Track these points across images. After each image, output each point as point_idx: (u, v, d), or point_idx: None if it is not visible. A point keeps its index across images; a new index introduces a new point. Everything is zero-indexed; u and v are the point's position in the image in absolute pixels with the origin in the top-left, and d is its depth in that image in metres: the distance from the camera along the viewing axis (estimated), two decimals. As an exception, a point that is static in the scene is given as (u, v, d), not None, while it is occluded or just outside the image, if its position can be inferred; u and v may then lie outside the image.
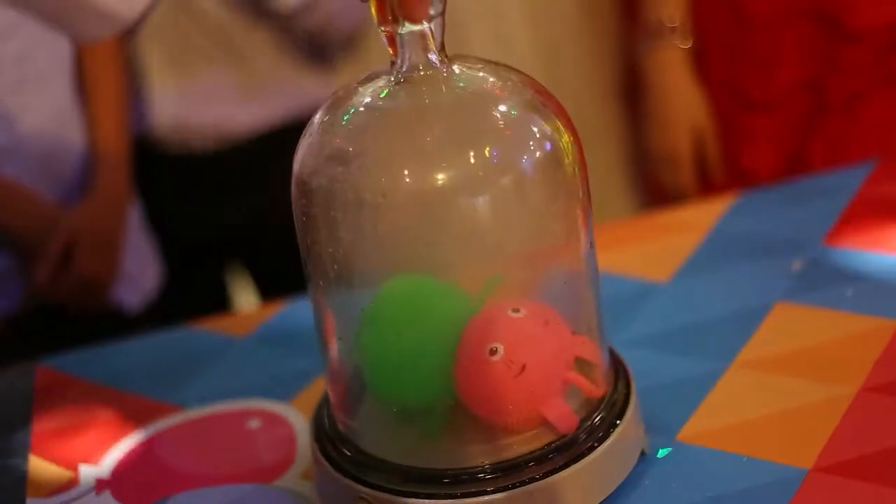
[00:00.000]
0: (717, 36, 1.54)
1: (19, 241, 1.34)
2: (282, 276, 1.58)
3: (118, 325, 1.44)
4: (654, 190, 1.70)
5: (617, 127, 1.80)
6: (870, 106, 1.49)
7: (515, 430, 0.79)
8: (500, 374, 0.78)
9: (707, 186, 1.59)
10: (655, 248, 1.14)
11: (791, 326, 0.99)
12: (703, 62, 1.57)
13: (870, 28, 1.46)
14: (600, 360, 0.84)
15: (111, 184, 1.39)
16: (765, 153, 1.55)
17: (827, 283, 1.04)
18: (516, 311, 0.79)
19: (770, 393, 0.91)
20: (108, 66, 1.41)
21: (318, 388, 0.99)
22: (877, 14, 1.46)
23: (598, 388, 0.83)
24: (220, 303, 1.73)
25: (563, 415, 0.80)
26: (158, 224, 1.60)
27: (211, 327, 1.14)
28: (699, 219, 1.18)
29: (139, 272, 1.50)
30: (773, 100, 1.52)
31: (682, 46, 1.55)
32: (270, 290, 1.61)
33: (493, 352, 0.78)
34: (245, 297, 1.83)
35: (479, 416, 0.79)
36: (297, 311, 1.14)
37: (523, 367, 0.78)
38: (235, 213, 1.66)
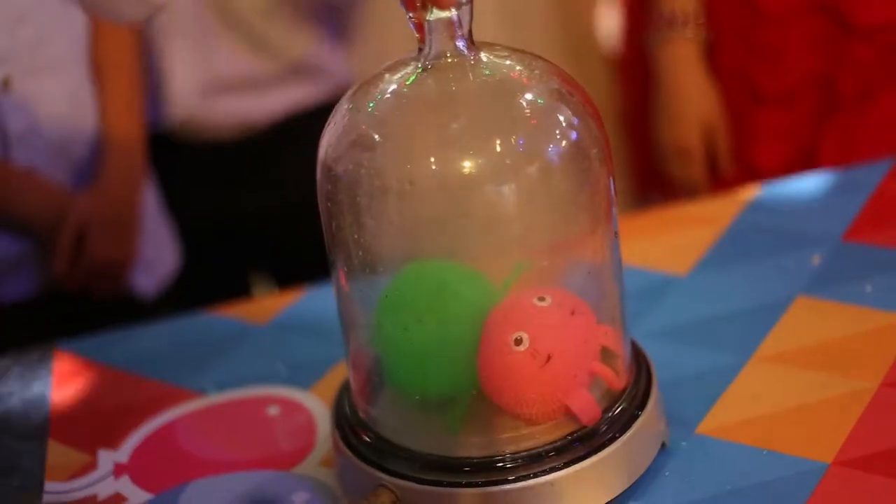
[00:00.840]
0: (729, 30, 1.54)
1: (34, 227, 1.34)
2: (298, 265, 1.59)
3: (135, 310, 1.45)
4: (641, 176, 1.70)
5: (621, 117, 1.80)
6: (880, 102, 1.49)
7: (537, 420, 0.79)
8: (524, 365, 0.78)
9: (717, 180, 1.59)
10: (674, 241, 1.14)
11: (811, 320, 0.99)
12: (714, 56, 1.56)
13: (879, 24, 1.46)
14: (623, 351, 0.84)
15: (123, 167, 1.39)
16: (775, 148, 1.55)
17: (847, 278, 1.03)
18: (542, 299, 0.79)
19: (790, 387, 0.91)
20: (121, 50, 1.41)
21: (336, 375, 0.99)
22: (886, 11, 1.46)
23: (620, 379, 0.83)
24: (237, 290, 1.72)
25: (588, 406, 0.80)
26: (176, 210, 1.60)
27: (230, 314, 1.15)
28: (718, 212, 1.17)
29: (156, 256, 1.50)
30: (783, 94, 1.52)
31: (694, 40, 1.54)
32: (287, 278, 1.61)
33: (518, 341, 0.77)
34: (262, 286, 1.83)
35: (501, 407, 0.79)
36: (316, 298, 1.14)
37: (549, 358, 0.78)
38: (253, 200, 1.66)
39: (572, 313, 0.79)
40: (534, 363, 0.78)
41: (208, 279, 1.66)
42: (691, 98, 1.56)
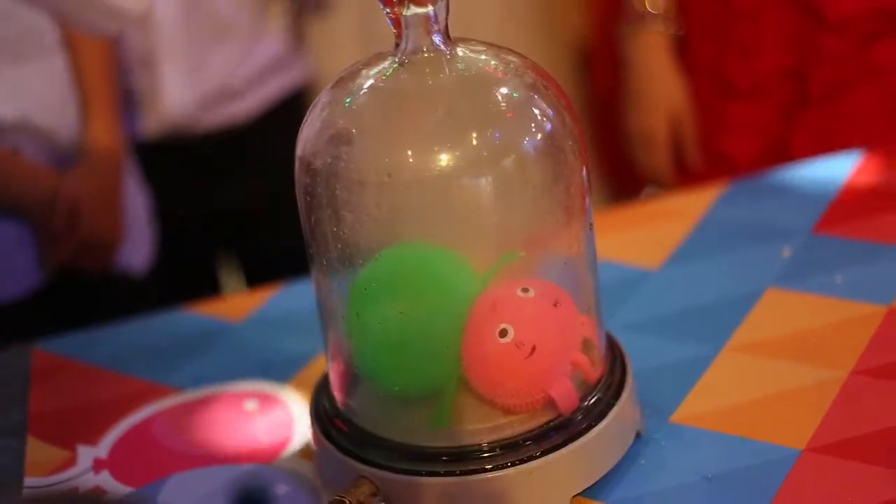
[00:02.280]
0: (702, 23, 1.56)
1: (23, 209, 1.35)
2: (270, 261, 1.60)
3: (122, 298, 1.46)
4: (611, 167, 1.72)
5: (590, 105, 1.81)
6: (851, 97, 1.51)
7: (520, 410, 0.80)
8: (509, 356, 0.79)
9: (684, 171, 1.61)
10: (646, 236, 1.15)
11: (782, 311, 1.00)
12: (686, 49, 1.58)
13: (850, 17, 1.48)
14: (599, 342, 0.85)
15: (103, 141, 1.41)
16: (746, 141, 1.56)
17: (817, 269, 1.05)
18: (525, 290, 0.80)
19: (762, 376, 0.93)
20: (96, 44, 1.43)
21: (314, 369, 1.00)
22: (857, 4, 1.47)
23: (595, 369, 0.84)
24: (207, 288, 1.73)
25: (567, 394, 0.81)
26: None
27: (207, 311, 1.15)
28: (689, 206, 1.19)
29: (138, 235, 1.51)
30: (755, 88, 1.54)
31: (665, 33, 1.57)
32: (259, 275, 1.62)
33: (504, 333, 0.78)
34: (233, 282, 1.83)
35: (483, 397, 0.80)
36: (291, 294, 1.15)
37: (533, 349, 0.79)
38: (224, 197, 1.67)
39: (555, 304, 0.80)
40: (519, 354, 0.79)
41: (179, 278, 1.66)
42: (658, 87, 1.58)
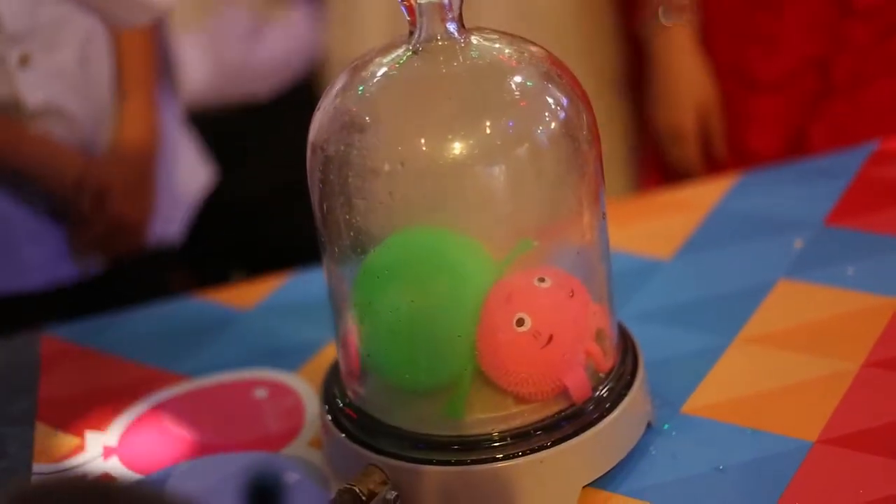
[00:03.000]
0: (723, 15, 1.56)
1: (52, 191, 1.35)
2: (282, 248, 1.60)
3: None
4: (656, 170, 1.72)
5: (620, 108, 1.81)
6: (873, 88, 1.50)
7: (534, 399, 0.80)
8: (526, 346, 0.78)
9: (712, 164, 1.61)
10: (658, 226, 1.15)
11: (794, 303, 1.00)
12: (709, 41, 1.58)
13: (876, 5, 1.47)
14: (611, 332, 0.85)
15: (136, 126, 1.42)
16: (769, 133, 1.56)
17: (828, 261, 1.05)
18: (542, 280, 0.80)
19: (773, 367, 0.92)
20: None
21: (323, 357, 1.00)
22: None
23: (607, 359, 0.84)
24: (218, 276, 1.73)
25: (581, 383, 0.81)
26: None
27: (217, 298, 1.15)
28: (702, 197, 1.18)
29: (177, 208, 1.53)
30: (777, 79, 1.54)
31: (689, 25, 1.57)
32: (268, 263, 1.62)
33: (521, 322, 0.78)
34: (240, 273, 1.84)
35: (496, 386, 0.80)
36: (301, 282, 1.15)
37: (550, 338, 0.79)
38: (237, 182, 1.67)
39: (571, 294, 0.80)
40: (536, 344, 0.78)
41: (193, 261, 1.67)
42: (686, 82, 1.58)
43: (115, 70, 1.40)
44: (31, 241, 1.37)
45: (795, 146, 1.53)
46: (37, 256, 1.38)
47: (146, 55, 1.44)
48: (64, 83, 1.33)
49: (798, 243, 1.08)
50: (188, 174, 1.55)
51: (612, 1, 1.74)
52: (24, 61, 1.28)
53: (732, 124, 1.58)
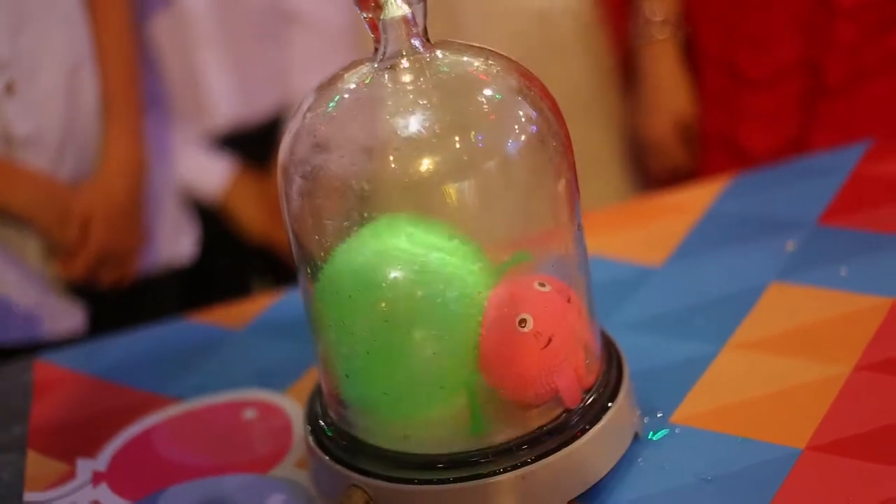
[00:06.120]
0: (712, 15, 1.57)
1: (34, 222, 1.35)
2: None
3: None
4: (649, 176, 1.74)
5: (617, 113, 1.82)
6: (869, 86, 1.49)
7: (526, 402, 0.79)
8: (526, 346, 0.78)
9: (700, 167, 1.62)
10: (649, 232, 1.14)
11: (785, 306, 0.99)
12: (698, 42, 1.59)
13: (864, 3, 1.46)
14: (594, 345, 0.84)
15: (122, 153, 1.41)
16: (763, 133, 1.56)
17: (821, 262, 1.03)
18: (542, 285, 0.79)
19: (764, 373, 0.91)
20: (119, 33, 1.43)
21: (313, 377, 0.99)
22: None
23: (590, 372, 0.83)
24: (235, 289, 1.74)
25: (573, 387, 0.80)
26: None
27: (207, 319, 1.15)
28: (693, 201, 1.17)
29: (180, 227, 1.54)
30: (769, 78, 1.53)
31: (673, 39, 1.59)
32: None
33: (523, 322, 0.78)
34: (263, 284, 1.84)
35: (497, 387, 0.79)
36: (292, 301, 1.14)
37: (549, 340, 0.78)
38: None
39: (569, 300, 0.80)
40: (536, 345, 0.78)
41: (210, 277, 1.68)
42: (666, 93, 1.63)
43: (101, 98, 1.40)
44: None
45: (794, 147, 1.53)
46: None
47: (132, 81, 1.44)
48: (50, 112, 1.33)
49: (790, 245, 1.06)
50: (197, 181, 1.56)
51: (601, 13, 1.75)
52: (10, 89, 1.28)
53: (726, 122, 1.59)
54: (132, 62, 1.44)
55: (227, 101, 1.64)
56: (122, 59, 1.42)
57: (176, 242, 1.56)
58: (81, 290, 1.43)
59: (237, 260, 1.77)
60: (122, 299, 1.49)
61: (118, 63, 1.41)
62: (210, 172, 1.63)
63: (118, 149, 1.41)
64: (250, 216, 1.66)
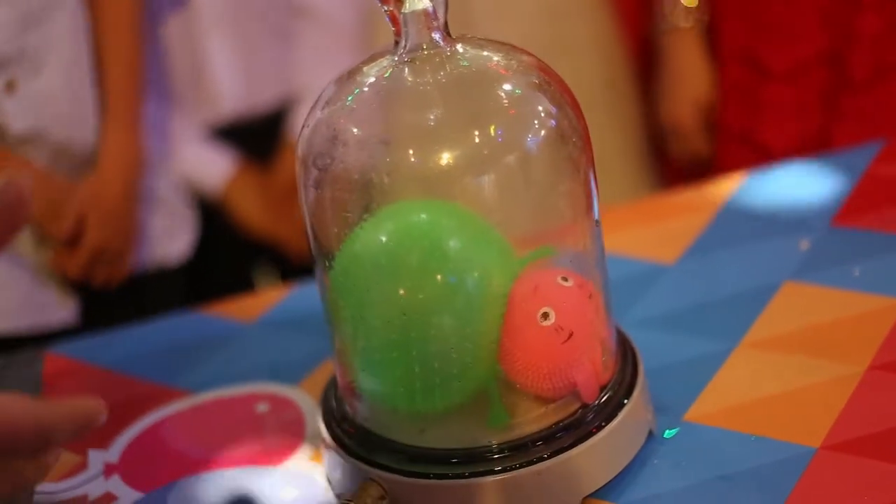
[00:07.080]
0: (734, 6, 1.58)
1: (32, 221, 1.35)
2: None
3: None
4: (669, 168, 1.75)
5: (629, 110, 1.82)
6: (893, 82, 1.49)
7: (546, 395, 0.79)
8: (548, 339, 0.78)
9: (718, 160, 1.63)
10: (663, 230, 1.14)
11: (799, 305, 0.99)
12: (721, 34, 1.60)
13: None
14: (610, 340, 0.84)
15: (119, 150, 1.41)
16: (784, 127, 1.56)
17: (835, 262, 1.03)
18: (565, 279, 0.79)
19: (778, 372, 0.91)
20: (122, 32, 1.43)
21: (325, 370, 0.99)
22: None
23: (605, 369, 0.83)
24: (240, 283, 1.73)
25: (591, 382, 0.80)
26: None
27: (219, 312, 1.15)
28: (707, 199, 1.17)
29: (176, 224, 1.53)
30: (791, 71, 1.53)
31: (696, 27, 1.60)
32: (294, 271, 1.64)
33: (546, 316, 0.77)
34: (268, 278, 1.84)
35: (516, 380, 0.79)
36: (303, 294, 1.14)
37: (570, 335, 0.78)
38: None
39: (590, 296, 0.80)
40: (557, 339, 0.78)
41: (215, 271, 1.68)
42: (689, 79, 1.64)
43: (100, 97, 1.40)
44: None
45: (816, 142, 1.53)
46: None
47: (133, 81, 1.44)
48: (49, 109, 1.33)
49: (804, 244, 1.06)
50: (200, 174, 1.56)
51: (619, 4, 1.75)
52: (11, 87, 1.27)
53: (746, 115, 1.59)
54: (134, 62, 1.44)
55: (232, 91, 1.64)
56: (124, 58, 1.42)
57: (175, 237, 1.56)
58: (76, 282, 1.43)
59: (238, 255, 1.76)
60: (119, 292, 1.48)
61: (119, 63, 1.41)
62: (211, 166, 1.63)
63: (116, 149, 1.41)
64: (250, 211, 1.65)
